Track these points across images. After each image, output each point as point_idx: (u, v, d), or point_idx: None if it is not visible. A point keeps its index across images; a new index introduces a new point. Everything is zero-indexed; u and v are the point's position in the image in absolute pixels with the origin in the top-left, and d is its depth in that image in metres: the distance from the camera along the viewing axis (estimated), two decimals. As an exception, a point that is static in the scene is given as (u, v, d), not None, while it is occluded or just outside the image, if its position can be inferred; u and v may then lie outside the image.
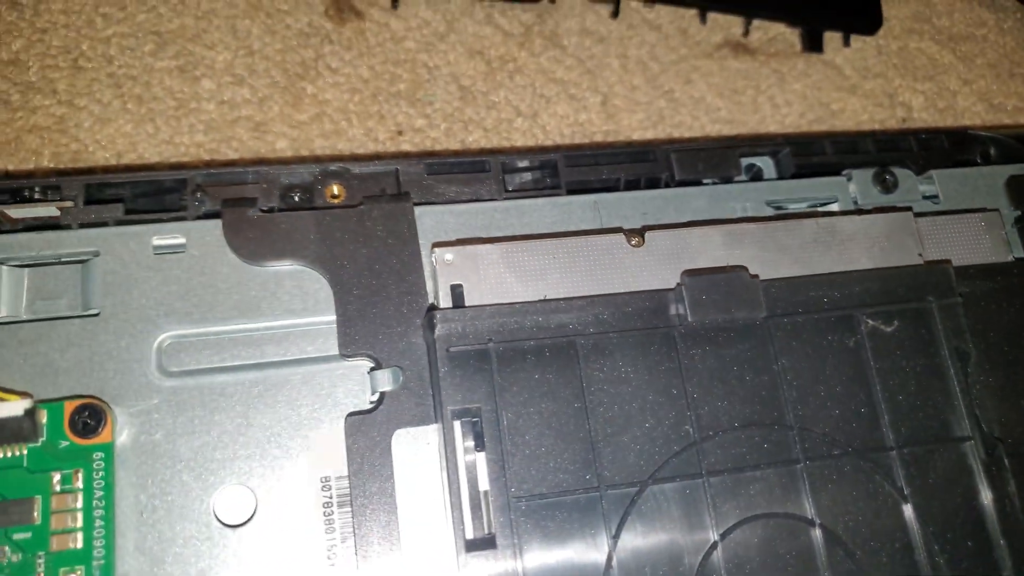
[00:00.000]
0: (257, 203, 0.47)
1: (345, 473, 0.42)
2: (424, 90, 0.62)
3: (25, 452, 0.39)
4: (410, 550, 0.41)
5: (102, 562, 0.38)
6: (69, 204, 0.46)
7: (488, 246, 0.45)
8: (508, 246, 0.45)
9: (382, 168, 0.50)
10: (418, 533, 0.41)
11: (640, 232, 0.47)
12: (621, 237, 0.47)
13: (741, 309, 0.44)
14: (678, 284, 0.44)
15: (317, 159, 0.59)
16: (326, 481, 0.42)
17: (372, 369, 0.44)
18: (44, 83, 0.58)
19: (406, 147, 0.60)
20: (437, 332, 0.42)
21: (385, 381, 0.43)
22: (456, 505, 0.39)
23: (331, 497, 0.42)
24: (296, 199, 0.48)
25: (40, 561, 0.38)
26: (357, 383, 0.44)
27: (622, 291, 0.45)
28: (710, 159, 0.54)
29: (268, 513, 0.42)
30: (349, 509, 0.42)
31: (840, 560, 0.41)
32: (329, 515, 0.42)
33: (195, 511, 0.41)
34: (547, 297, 0.44)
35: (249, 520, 0.41)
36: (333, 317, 0.45)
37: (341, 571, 0.41)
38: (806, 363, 0.45)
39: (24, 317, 0.44)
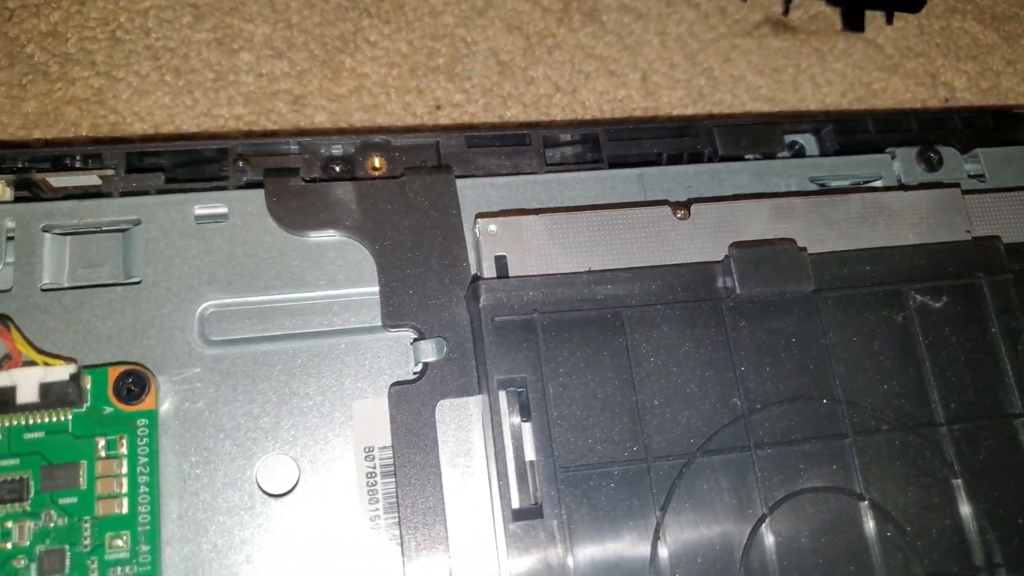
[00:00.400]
0: (299, 173, 0.46)
1: (388, 443, 0.42)
2: (463, 65, 0.62)
3: (70, 417, 0.39)
4: (454, 519, 0.41)
5: (147, 528, 0.38)
6: (110, 172, 0.46)
7: (532, 217, 0.45)
8: (552, 217, 0.45)
9: (423, 141, 0.49)
10: (462, 503, 0.41)
11: (686, 205, 0.46)
12: (667, 209, 0.46)
13: (789, 282, 0.44)
14: (726, 256, 0.44)
15: (357, 131, 0.58)
16: (370, 451, 0.42)
17: (415, 340, 0.44)
18: (82, 55, 0.58)
19: (444, 121, 0.60)
20: (482, 302, 0.41)
21: (429, 352, 0.43)
22: (502, 474, 0.39)
23: (375, 467, 0.42)
24: (337, 170, 0.48)
25: (86, 526, 0.38)
26: (400, 354, 0.44)
27: (668, 263, 0.44)
28: (753, 135, 0.53)
29: (311, 483, 0.41)
30: (393, 479, 0.41)
31: (890, 535, 0.41)
32: (372, 485, 0.41)
33: (238, 480, 0.41)
34: (592, 269, 0.43)
35: (292, 490, 0.41)
36: (376, 288, 0.45)
37: (384, 540, 0.41)
38: (854, 337, 0.44)
39: (67, 284, 0.43)
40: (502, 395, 0.40)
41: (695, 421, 0.41)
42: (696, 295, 0.43)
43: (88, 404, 0.39)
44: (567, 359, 0.41)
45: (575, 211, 0.46)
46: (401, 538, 0.40)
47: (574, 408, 0.40)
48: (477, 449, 0.42)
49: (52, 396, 0.39)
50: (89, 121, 0.56)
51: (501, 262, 0.44)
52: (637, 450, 0.40)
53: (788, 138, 0.55)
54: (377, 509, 0.41)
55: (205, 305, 0.43)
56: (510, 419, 0.40)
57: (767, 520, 0.40)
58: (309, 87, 0.59)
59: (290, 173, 0.46)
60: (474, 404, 0.43)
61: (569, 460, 0.39)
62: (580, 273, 0.43)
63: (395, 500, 0.41)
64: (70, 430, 0.39)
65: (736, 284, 0.43)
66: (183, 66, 0.58)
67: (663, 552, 0.39)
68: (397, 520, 0.41)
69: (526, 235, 0.44)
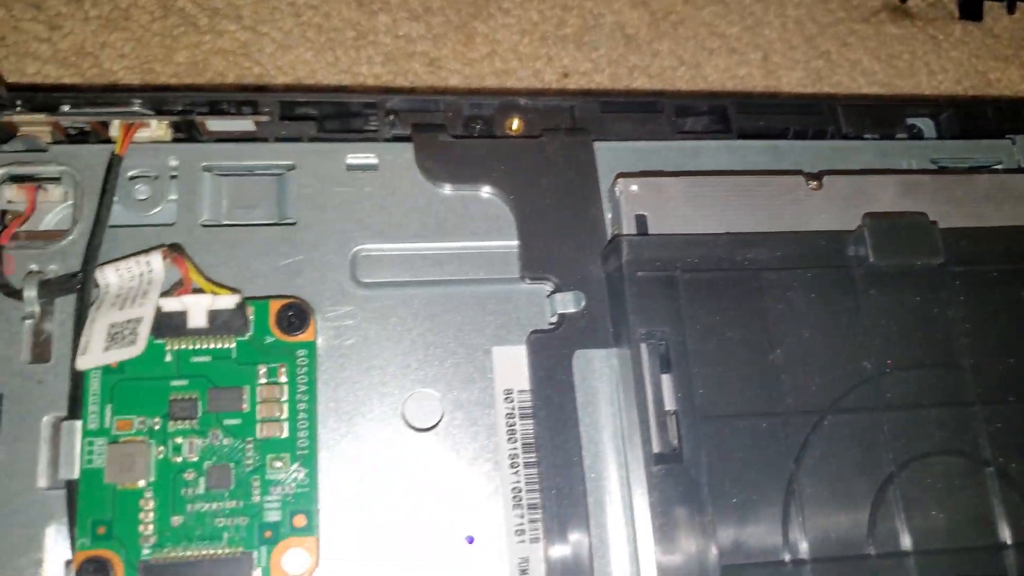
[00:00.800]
0: (446, 129, 0.48)
1: (526, 387, 0.44)
2: (590, 35, 0.63)
3: (234, 345, 0.41)
4: (592, 460, 0.43)
5: (305, 452, 0.40)
6: (265, 119, 0.48)
7: (672, 179, 0.46)
8: (691, 180, 0.46)
9: (559, 103, 0.51)
10: (598, 447, 0.43)
11: (818, 176, 0.48)
12: (800, 179, 0.47)
13: (920, 254, 0.45)
14: (859, 226, 0.45)
15: (492, 93, 0.60)
16: (508, 393, 0.44)
17: (552, 292, 0.45)
18: (230, 9, 0.60)
19: (572, 88, 0.62)
20: (625, 257, 0.43)
21: (568, 303, 0.45)
22: (644, 421, 0.41)
23: (513, 409, 0.43)
24: (477, 129, 0.50)
25: (249, 446, 0.40)
26: (536, 305, 0.46)
27: (799, 231, 0.46)
28: (876, 115, 0.54)
29: (454, 420, 0.43)
30: (531, 421, 0.43)
31: (1015, 504, 0.42)
32: (512, 425, 0.43)
33: (386, 414, 0.43)
34: (730, 232, 0.45)
35: (436, 425, 0.43)
36: (514, 242, 0.47)
37: (523, 478, 0.42)
38: (981, 312, 0.45)
39: (225, 222, 0.46)
40: (643, 347, 0.42)
41: (826, 381, 0.43)
42: (829, 262, 0.45)
43: (251, 333, 0.42)
44: (706, 316, 0.43)
45: (712, 175, 0.47)
46: (540, 476, 0.42)
47: (711, 362, 0.42)
48: (604, 400, 0.44)
49: (219, 323, 0.41)
50: (235, 72, 0.58)
51: (641, 220, 0.45)
52: (772, 405, 0.42)
53: (907, 121, 0.56)
54: (516, 448, 0.43)
55: (357, 249, 0.45)
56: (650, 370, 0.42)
57: (895, 479, 0.41)
58: (444, 50, 0.61)
59: (438, 129, 0.48)
60: (604, 357, 0.44)
61: (708, 410, 0.41)
62: (721, 235, 0.44)
63: (533, 440, 0.43)
64: (234, 356, 0.41)
65: (869, 252, 0.44)
66: (325, 24, 0.60)
67: (796, 499, 0.40)
68: (536, 459, 0.42)
69: (665, 196, 0.46)
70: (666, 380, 0.42)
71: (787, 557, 0.40)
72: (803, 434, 0.41)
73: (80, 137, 0.47)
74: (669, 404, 0.41)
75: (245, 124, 0.48)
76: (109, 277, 0.42)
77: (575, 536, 0.41)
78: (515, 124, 0.50)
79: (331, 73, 0.59)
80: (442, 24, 0.62)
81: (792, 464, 0.41)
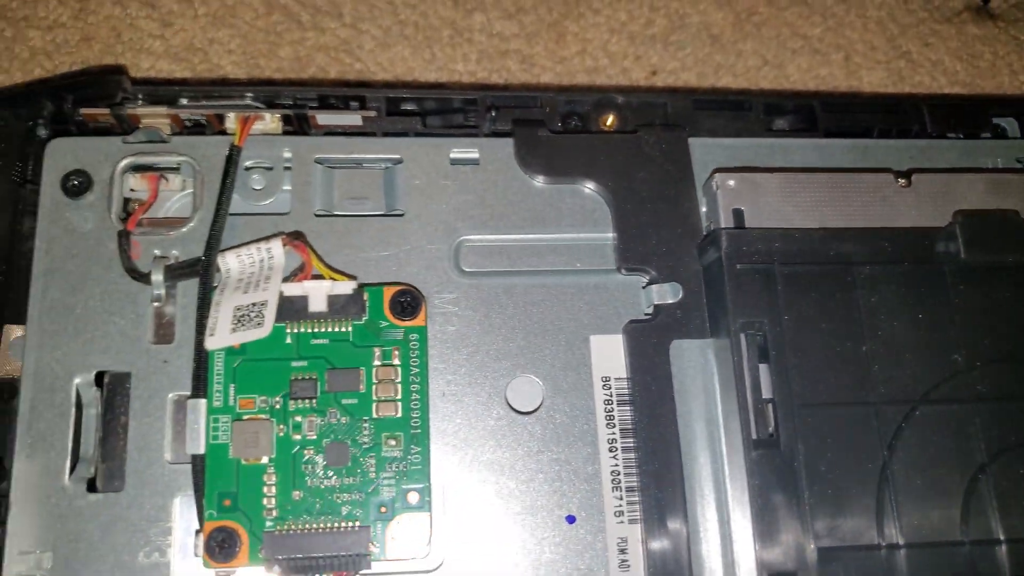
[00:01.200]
0: (545, 125, 0.50)
1: (623, 375, 0.45)
2: (676, 35, 0.65)
3: (351, 328, 0.43)
4: (688, 445, 0.44)
5: (418, 431, 0.42)
6: (372, 114, 0.50)
7: (768, 175, 0.48)
8: (786, 176, 0.48)
9: (653, 100, 0.52)
10: (691, 434, 0.45)
11: (907, 174, 0.49)
12: (890, 177, 0.49)
13: (1012, 251, 0.46)
14: (951, 222, 0.46)
15: (586, 89, 0.62)
16: (606, 380, 0.45)
17: (648, 284, 0.47)
18: (331, 7, 0.62)
19: (660, 87, 0.63)
20: (725, 249, 0.44)
21: (665, 294, 0.46)
22: (743, 408, 0.42)
23: (611, 395, 0.45)
24: (573, 124, 0.52)
25: (365, 425, 0.42)
26: (631, 295, 0.47)
27: (890, 227, 0.47)
28: (961, 115, 0.55)
29: (554, 404, 0.45)
30: (628, 408, 0.45)
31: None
32: (610, 411, 0.45)
33: (490, 397, 0.45)
34: (823, 227, 0.46)
35: (537, 409, 0.45)
36: (610, 234, 0.48)
37: (621, 462, 0.44)
38: (1073, 308, 0.46)
39: (337, 212, 0.48)
40: (743, 337, 0.43)
41: (917, 373, 0.44)
42: (920, 257, 0.46)
43: (367, 317, 0.44)
44: (802, 309, 0.44)
45: (805, 172, 0.48)
46: (638, 461, 0.44)
47: (807, 353, 0.43)
48: (697, 389, 0.45)
49: (337, 307, 0.43)
50: (336, 68, 0.61)
51: (738, 214, 0.47)
52: (865, 394, 0.43)
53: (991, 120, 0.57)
54: (614, 433, 0.45)
55: (460, 239, 0.47)
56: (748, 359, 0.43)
57: (987, 469, 0.43)
58: (536, 48, 0.63)
59: (537, 124, 0.50)
60: (698, 347, 0.46)
61: (803, 398, 0.42)
62: (816, 229, 0.46)
63: (631, 426, 0.45)
64: (351, 339, 0.43)
65: (961, 249, 0.45)
66: (422, 22, 0.63)
67: (889, 485, 0.42)
68: (634, 444, 0.44)
69: (761, 191, 0.47)
70: (763, 369, 0.43)
71: (881, 542, 0.41)
72: (895, 423, 0.43)
73: (196, 129, 0.49)
74: (766, 392, 0.43)
75: (353, 119, 0.50)
76: (230, 263, 0.44)
77: (672, 518, 0.43)
78: (610, 120, 0.52)
79: (428, 70, 0.61)
80: (534, 23, 0.63)
81: (885, 452, 0.42)
